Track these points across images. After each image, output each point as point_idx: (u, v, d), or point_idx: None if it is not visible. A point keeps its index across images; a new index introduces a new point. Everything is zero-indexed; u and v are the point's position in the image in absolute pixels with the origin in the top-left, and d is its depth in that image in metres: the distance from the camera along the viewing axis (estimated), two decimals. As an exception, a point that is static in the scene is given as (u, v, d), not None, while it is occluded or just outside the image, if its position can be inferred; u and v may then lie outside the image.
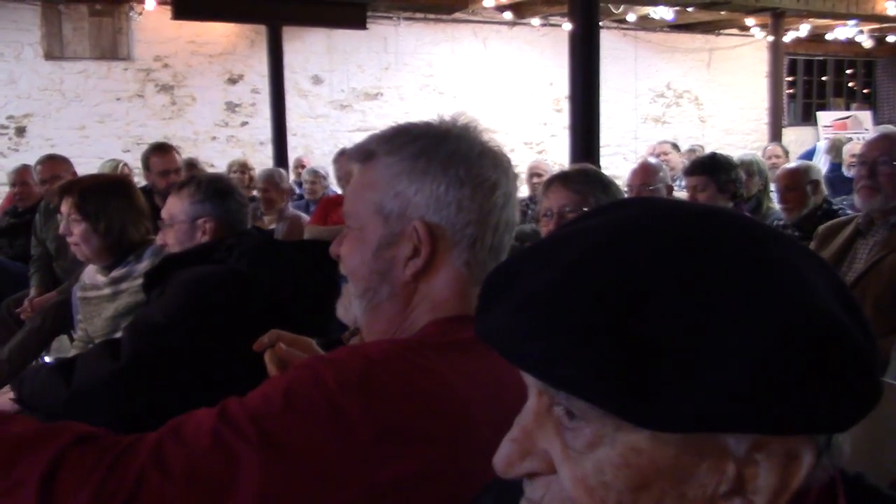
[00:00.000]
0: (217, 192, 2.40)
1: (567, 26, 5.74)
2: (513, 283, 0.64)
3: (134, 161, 6.58)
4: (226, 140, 9.23)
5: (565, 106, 5.26)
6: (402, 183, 1.11)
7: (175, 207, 2.37)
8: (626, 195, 3.15)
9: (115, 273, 2.63)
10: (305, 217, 5.45)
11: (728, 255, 0.60)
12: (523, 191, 6.37)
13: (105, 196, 2.64)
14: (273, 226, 5.23)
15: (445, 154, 1.11)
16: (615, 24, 11.15)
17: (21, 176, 5.14)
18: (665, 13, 10.34)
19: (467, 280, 1.12)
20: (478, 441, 0.88)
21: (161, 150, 4.70)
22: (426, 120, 1.18)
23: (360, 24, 8.84)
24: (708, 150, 5.89)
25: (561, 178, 2.62)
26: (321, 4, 8.46)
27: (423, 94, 10.45)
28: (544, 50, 10.91)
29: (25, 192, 5.09)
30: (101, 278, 2.67)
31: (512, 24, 10.71)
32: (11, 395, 2.04)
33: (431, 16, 10.30)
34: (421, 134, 1.15)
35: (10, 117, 8.28)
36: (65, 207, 2.61)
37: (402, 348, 1.03)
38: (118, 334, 2.38)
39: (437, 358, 1.02)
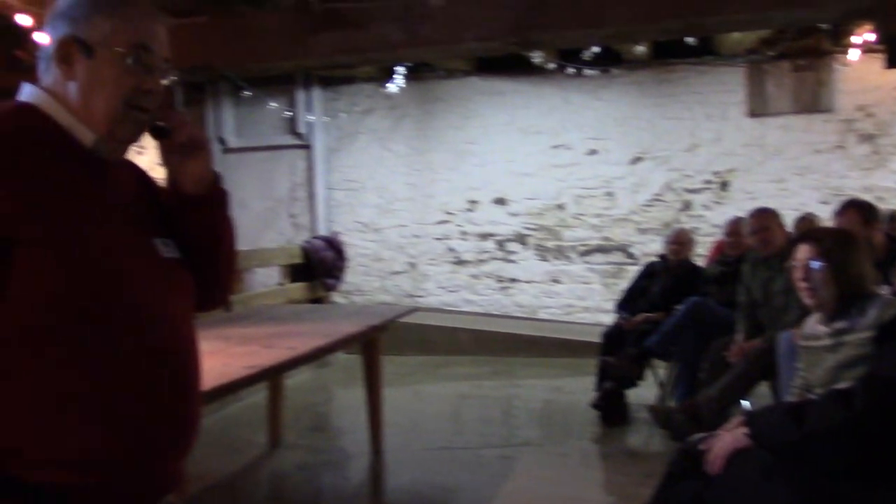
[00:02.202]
0: None
1: None
2: None
3: (825, 214, 6.49)
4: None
5: None
6: None
7: None
8: None
9: (838, 324, 2.62)
10: None
11: None
12: None
13: (846, 245, 2.68)
14: None
15: None
16: None
17: (733, 227, 5.49)
18: None
19: None
20: None
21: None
22: None
23: None
24: None
25: None
26: None
27: None
28: None
29: (736, 241, 5.41)
30: (822, 328, 2.70)
31: None
32: (746, 430, 2.22)
33: None
34: None
35: (715, 172, 8.90)
36: (802, 254, 2.71)
37: None
38: (839, 384, 2.40)
39: None
